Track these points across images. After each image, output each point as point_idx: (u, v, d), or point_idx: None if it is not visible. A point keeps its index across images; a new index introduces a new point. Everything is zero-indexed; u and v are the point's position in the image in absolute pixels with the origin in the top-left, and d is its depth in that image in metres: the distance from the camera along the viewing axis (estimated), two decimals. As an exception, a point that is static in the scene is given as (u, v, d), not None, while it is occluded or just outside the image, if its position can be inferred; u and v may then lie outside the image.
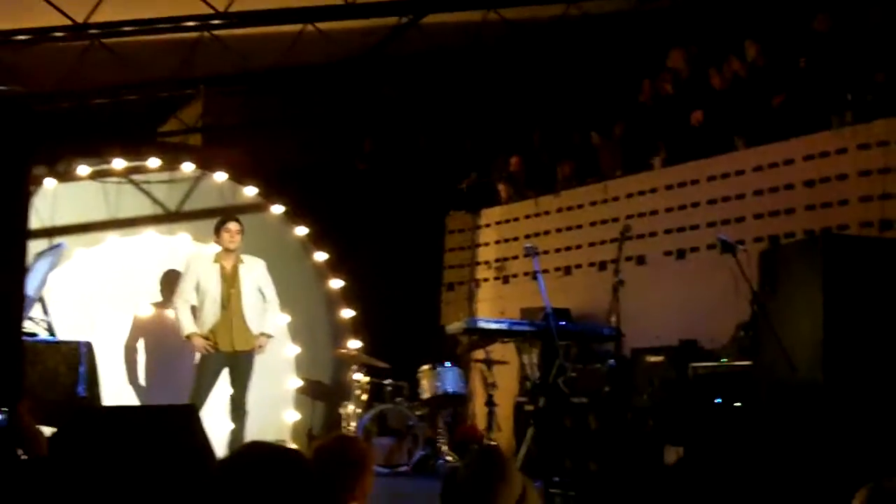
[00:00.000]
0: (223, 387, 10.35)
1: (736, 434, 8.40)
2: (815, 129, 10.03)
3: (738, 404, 8.73)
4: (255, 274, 10.58)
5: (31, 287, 9.20)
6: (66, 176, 11.26)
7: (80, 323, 10.45)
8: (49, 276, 9.52)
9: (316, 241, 12.50)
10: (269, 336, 10.57)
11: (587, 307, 11.63)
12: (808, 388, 7.58)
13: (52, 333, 9.23)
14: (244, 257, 10.58)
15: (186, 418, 5.94)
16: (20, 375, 8.29)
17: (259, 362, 10.49)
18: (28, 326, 9.12)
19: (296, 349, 12.01)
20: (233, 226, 10.47)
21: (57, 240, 10.68)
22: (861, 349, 7.48)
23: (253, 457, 2.85)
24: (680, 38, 12.44)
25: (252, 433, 10.32)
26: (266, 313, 10.62)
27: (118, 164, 11.48)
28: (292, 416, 11.90)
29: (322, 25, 11.92)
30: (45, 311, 9.35)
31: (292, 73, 13.74)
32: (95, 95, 13.06)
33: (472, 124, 15.13)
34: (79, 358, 8.67)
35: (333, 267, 12.54)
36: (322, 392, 12.06)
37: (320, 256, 12.47)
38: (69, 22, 10.57)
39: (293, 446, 2.87)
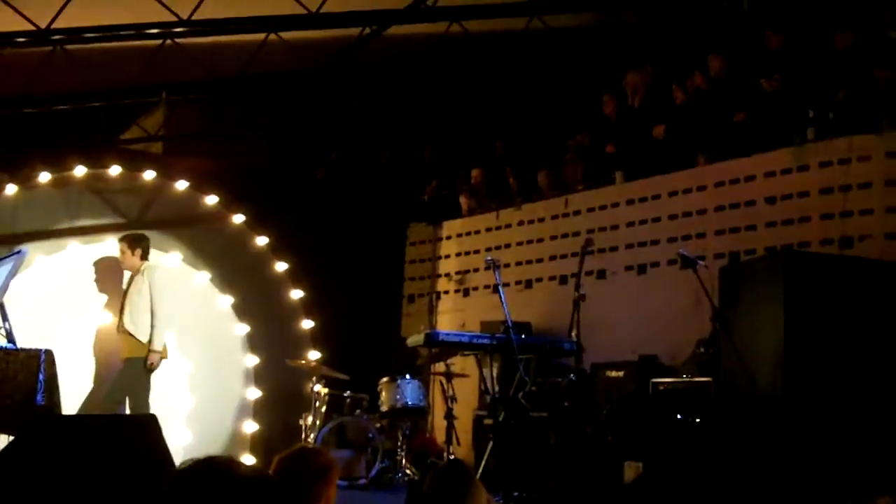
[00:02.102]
0: (182, 394, 10.31)
1: (696, 450, 8.43)
2: (777, 145, 10.10)
3: (698, 420, 8.75)
4: (145, 282, 10.48)
5: (-11, 294, 9.13)
6: (27, 182, 11.19)
7: (41, 330, 10.35)
8: (9, 282, 9.43)
9: (277, 250, 12.45)
10: (156, 352, 10.31)
11: (548, 321, 11.63)
12: (768, 404, 7.63)
13: (11, 341, 9.14)
14: (148, 265, 10.56)
15: (146, 428, 5.91)
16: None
17: (217, 372, 10.45)
18: (-14, 333, 9.06)
19: (255, 359, 11.94)
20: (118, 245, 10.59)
21: (17, 247, 10.60)
22: (821, 366, 7.54)
23: (210, 473, 2.79)
24: (644, 53, 12.49)
25: (210, 443, 10.27)
26: (154, 329, 10.35)
27: (79, 171, 11.42)
28: (251, 426, 11.82)
29: (286, 35, 11.89)
30: (5, 318, 9.26)
31: (255, 81, 13.70)
32: (57, 102, 12.98)
33: (434, 135, 15.13)
34: (38, 366, 8.60)
35: (294, 277, 12.48)
36: (281, 403, 11.98)
37: (281, 266, 12.42)
38: (32, 27, 10.52)
39: (251, 459, 2.81)
